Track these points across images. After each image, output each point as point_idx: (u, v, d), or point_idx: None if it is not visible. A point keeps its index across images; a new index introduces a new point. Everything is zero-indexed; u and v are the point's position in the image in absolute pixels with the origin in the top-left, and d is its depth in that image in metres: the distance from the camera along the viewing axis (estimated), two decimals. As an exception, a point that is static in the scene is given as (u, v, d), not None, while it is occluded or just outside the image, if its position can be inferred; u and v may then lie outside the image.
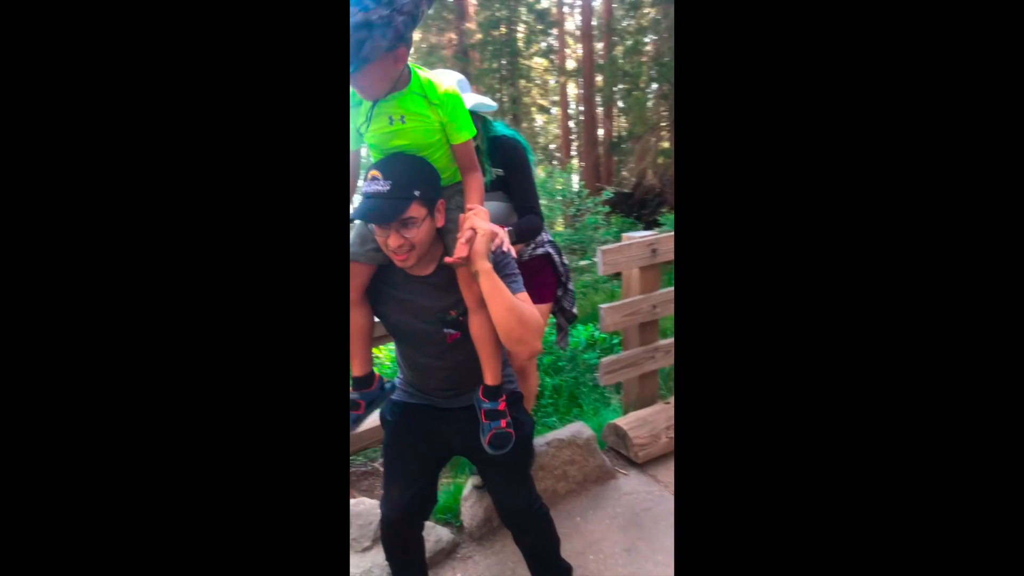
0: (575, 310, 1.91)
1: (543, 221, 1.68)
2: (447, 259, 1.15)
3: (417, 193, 1.12)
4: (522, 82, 13.33)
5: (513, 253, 1.24)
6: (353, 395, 1.33)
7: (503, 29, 12.54)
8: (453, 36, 12.66)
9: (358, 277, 1.25)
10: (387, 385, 1.40)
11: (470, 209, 1.18)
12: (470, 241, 1.11)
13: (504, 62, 12.91)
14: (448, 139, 1.18)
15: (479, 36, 12.42)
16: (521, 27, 13.07)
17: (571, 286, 1.87)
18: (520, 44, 13.05)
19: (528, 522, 1.41)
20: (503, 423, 1.28)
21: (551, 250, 1.81)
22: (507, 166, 1.60)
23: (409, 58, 1.12)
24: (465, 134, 1.17)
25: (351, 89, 1.10)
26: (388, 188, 1.10)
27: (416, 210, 1.12)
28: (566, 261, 1.85)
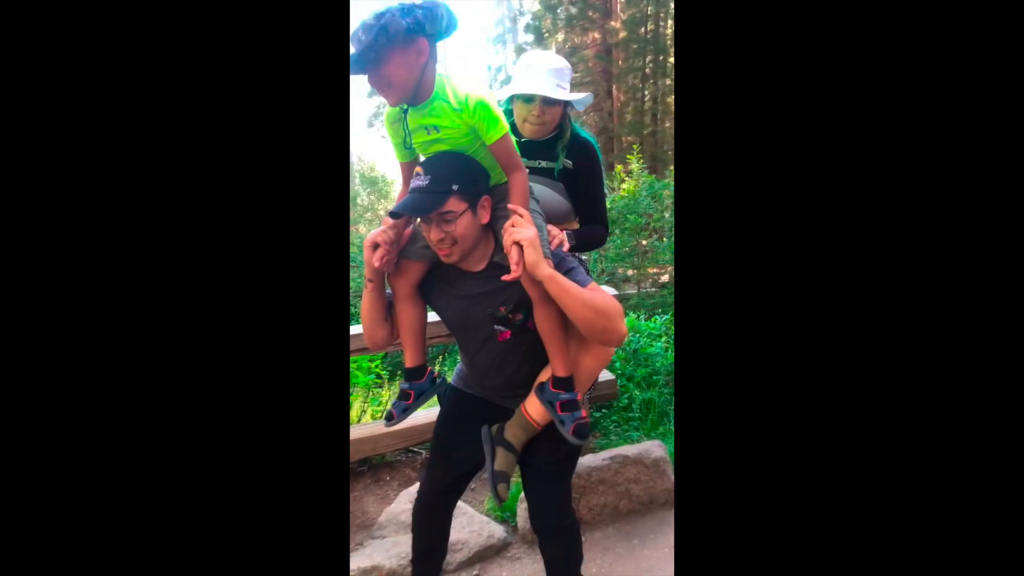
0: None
1: (607, 233, 1.59)
2: (504, 277, 1.13)
3: (455, 187, 1.13)
4: (667, 80, 12.81)
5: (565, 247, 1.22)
6: (403, 385, 1.39)
7: (649, 26, 12.15)
8: (597, 35, 12.56)
9: (408, 273, 1.30)
10: (438, 379, 1.44)
11: (511, 216, 1.16)
12: (520, 256, 1.10)
13: (648, 60, 12.51)
14: (482, 141, 1.17)
15: (623, 35, 12.17)
16: (670, 23, 12.56)
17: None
18: (668, 42, 12.55)
19: (556, 534, 1.38)
20: (583, 413, 1.26)
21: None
22: (577, 167, 1.53)
23: (441, 67, 1.13)
24: (495, 133, 1.14)
25: (380, 98, 1.13)
26: (427, 183, 1.13)
27: (455, 204, 1.13)
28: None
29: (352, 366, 2.98)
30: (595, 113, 12.25)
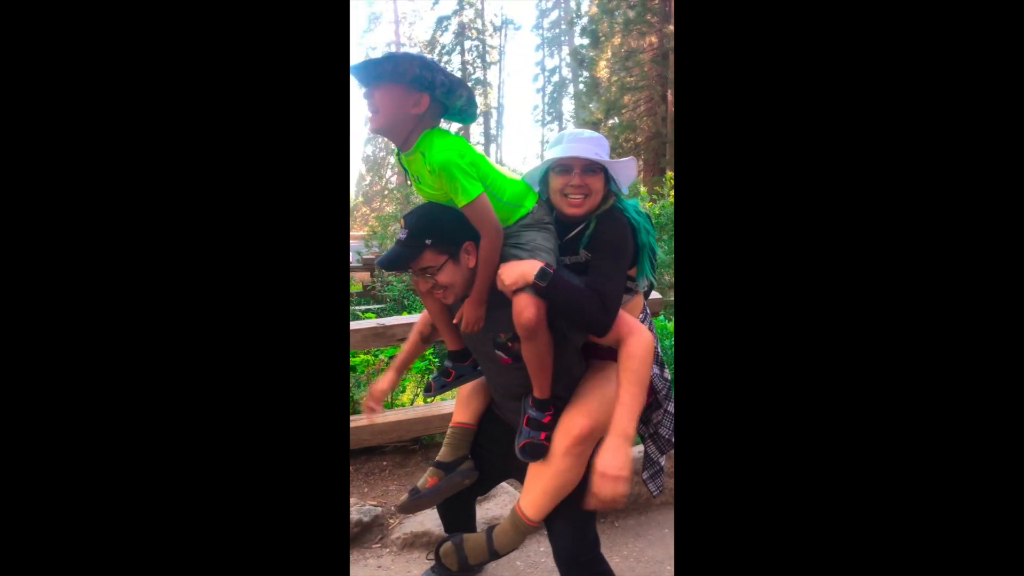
0: (673, 438, 1.44)
1: (606, 317, 1.17)
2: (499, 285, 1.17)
3: (428, 242, 1.16)
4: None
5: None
6: (447, 363, 1.48)
7: (708, 31, 12.01)
8: (654, 39, 12.51)
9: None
10: (479, 367, 1.47)
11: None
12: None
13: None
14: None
15: (681, 39, 12.07)
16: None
17: (670, 407, 1.42)
18: (726, 46, 12.35)
19: (571, 571, 1.29)
20: (542, 435, 1.27)
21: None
22: (596, 247, 1.25)
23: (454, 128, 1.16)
24: (464, 197, 1.12)
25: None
26: (404, 236, 1.19)
27: (431, 258, 1.17)
28: (667, 375, 1.43)
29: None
30: (649, 118, 12.20)
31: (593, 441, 1.24)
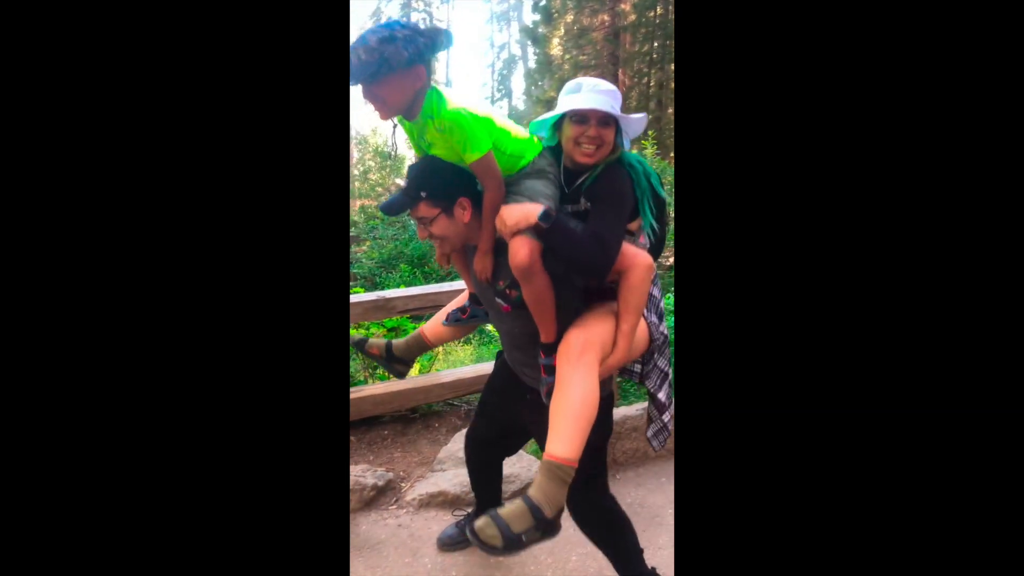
0: (665, 399, 1.43)
1: (605, 261, 1.19)
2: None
3: (423, 194, 1.23)
4: (672, 66, 12.95)
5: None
6: (467, 303, 1.57)
7: (659, 11, 12.25)
8: (606, 17, 12.63)
9: None
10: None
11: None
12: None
13: (655, 44, 12.63)
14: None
15: (632, 18, 12.25)
16: (678, 9, 12.64)
17: (661, 362, 1.42)
18: (675, 27, 12.64)
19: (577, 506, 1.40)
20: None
21: (652, 287, 1.36)
22: (596, 195, 1.27)
23: (435, 82, 1.17)
24: (473, 154, 1.16)
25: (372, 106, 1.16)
26: (404, 186, 1.26)
27: (425, 210, 1.23)
28: (664, 329, 1.42)
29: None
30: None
31: (597, 351, 1.20)
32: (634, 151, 1.62)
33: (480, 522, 1.09)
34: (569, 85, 1.32)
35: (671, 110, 13.01)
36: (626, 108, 1.39)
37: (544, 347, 1.29)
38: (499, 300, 1.31)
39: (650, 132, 6.02)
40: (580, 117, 1.26)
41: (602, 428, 1.34)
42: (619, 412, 2.26)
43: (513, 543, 1.08)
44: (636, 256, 1.23)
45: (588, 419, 1.15)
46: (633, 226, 1.31)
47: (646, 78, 12.76)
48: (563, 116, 1.29)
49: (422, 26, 1.12)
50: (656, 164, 5.18)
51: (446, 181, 1.24)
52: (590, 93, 1.27)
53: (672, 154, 9.19)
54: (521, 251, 1.15)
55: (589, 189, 1.28)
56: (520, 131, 1.30)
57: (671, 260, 5.05)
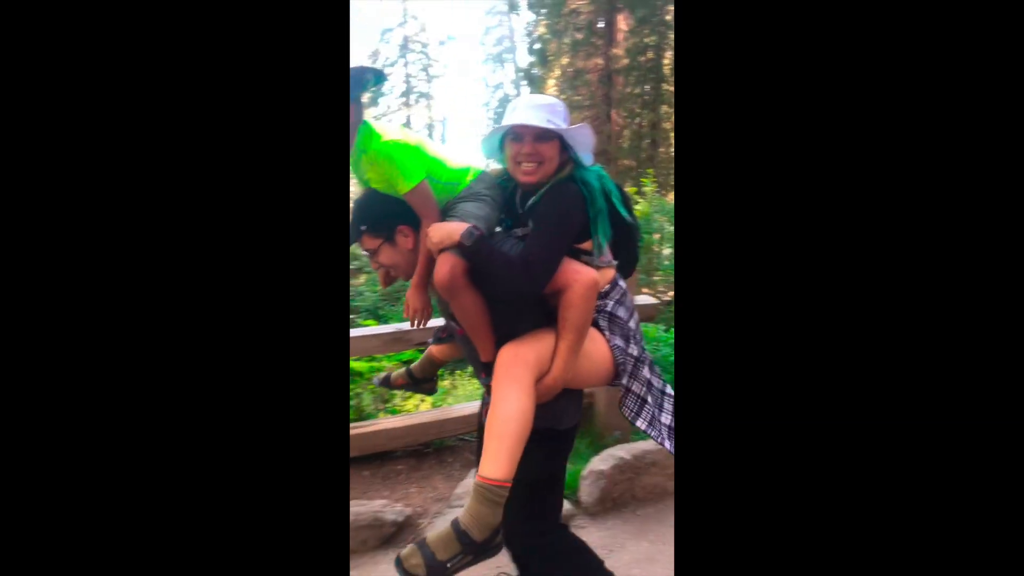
0: (646, 425, 1.32)
1: (529, 284, 1.15)
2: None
3: (363, 228, 1.27)
4: (664, 107, 13.36)
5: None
6: (451, 323, 1.54)
7: (650, 55, 12.70)
8: (600, 61, 13.05)
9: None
10: None
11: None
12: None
13: (648, 87, 13.04)
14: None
15: (625, 62, 12.68)
16: (669, 54, 13.14)
17: (635, 386, 1.32)
18: (666, 71, 13.12)
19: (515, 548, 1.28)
20: None
21: (616, 307, 1.31)
22: (536, 216, 1.22)
23: (374, 117, 1.22)
24: (406, 185, 1.20)
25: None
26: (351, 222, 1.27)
27: (369, 242, 1.27)
28: (633, 351, 1.32)
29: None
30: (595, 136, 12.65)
31: (528, 366, 1.15)
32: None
33: (405, 551, 1.07)
34: (510, 104, 1.28)
35: (663, 149, 13.38)
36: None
37: (484, 367, 1.27)
38: (452, 323, 1.31)
39: (649, 170, 6.17)
40: (516, 135, 1.22)
41: (550, 460, 1.29)
42: (637, 447, 2.25)
43: (437, 571, 1.05)
44: (577, 273, 1.17)
45: (516, 435, 1.10)
46: (586, 246, 1.26)
47: (639, 118, 13.12)
48: (504, 137, 1.26)
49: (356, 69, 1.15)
50: (655, 201, 5.29)
51: (384, 212, 1.27)
52: (523, 109, 1.22)
53: (664, 190, 9.40)
54: (442, 268, 1.15)
55: (532, 209, 1.23)
56: (457, 161, 1.31)
57: (670, 294, 5.11)
